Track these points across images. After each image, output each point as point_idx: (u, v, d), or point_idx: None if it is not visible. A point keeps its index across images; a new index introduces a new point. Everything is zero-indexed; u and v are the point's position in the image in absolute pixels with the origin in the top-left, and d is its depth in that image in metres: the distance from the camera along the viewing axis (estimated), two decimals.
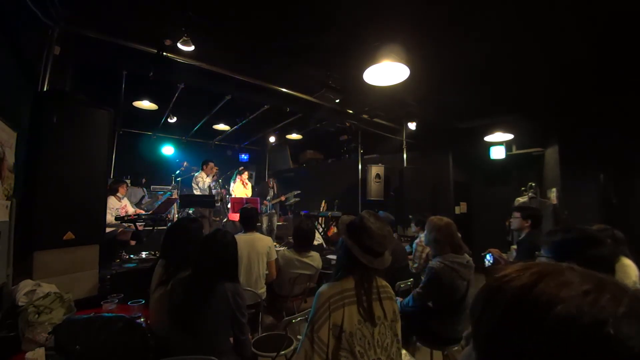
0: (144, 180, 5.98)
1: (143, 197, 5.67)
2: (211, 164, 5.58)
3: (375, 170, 6.18)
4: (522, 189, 5.12)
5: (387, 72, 3.18)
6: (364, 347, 1.21)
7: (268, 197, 5.93)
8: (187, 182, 6.32)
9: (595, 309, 0.31)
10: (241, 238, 2.74)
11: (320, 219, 6.02)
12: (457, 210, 6.27)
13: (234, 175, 6.11)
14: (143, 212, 4.76)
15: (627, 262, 1.81)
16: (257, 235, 2.86)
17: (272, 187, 6.13)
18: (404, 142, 6.27)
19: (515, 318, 0.35)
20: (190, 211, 5.31)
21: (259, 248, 2.74)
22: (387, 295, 1.36)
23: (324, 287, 1.30)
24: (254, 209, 3.01)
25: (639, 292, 0.33)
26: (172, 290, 1.65)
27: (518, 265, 0.40)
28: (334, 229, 5.97)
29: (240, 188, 5.97)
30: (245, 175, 6.09)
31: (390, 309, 1.34)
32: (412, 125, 5.38)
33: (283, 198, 6.13)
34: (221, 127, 6.49)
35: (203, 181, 5.44)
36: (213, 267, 1.65)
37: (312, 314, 1.25)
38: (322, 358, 1.18)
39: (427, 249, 3.17)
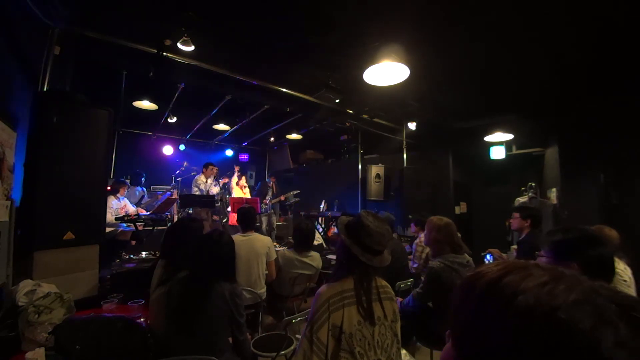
0: (143, 181, 5.97)
1: (143, 197, 5.67)
2: (211, 167, 5.59)
3: (375, 170, 6.18)
4: (522, 189, 5.12)
5: (387, 72, 3.18)
6: (364, 347, 1.21)
7: (267, 197, 5.93)
8: (187, 182, 6.32)
9: (550, 297, 0.34)
10: (240, 238, 2.74)
11: (320, 219, 6.02)
12: (457, 210, 6.27)
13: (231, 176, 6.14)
14: (143, 212, 4.77)
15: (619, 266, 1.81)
16: (256, 235, 2.86)
17: (272, 187, 6.13)
18: (404, 142, 6.27)
19: (484, 310, 0.38)
20: (189, 211, 5.31)
21: (258, 248, 2.74)
22: (387, 295, 1.36)
23: (323, 288, 1.30)
24: (252, 208, 3.00)
25: (596, 284, 0.36)
26: (170, 290, 1.65)
27: (492, 263, 0.44)
28: (333, 229, 5.97)
29: (239, 192, 5.98)
30: (242, 180, 6.08)
31: (390, 310, 1.34)
32: (412, 125, 5.38)
33: (282, 198, 6.12)
34: (221, 127, 6.49)
35: (204, 183, 5.46)
36: (210, 267, 1.65)
37: (311, 314, 1.24)
38: (320, 359, 1.17)
39: (427, 249, 3.17)
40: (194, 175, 5.89)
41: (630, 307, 0.33)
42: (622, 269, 1.78)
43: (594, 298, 0.34)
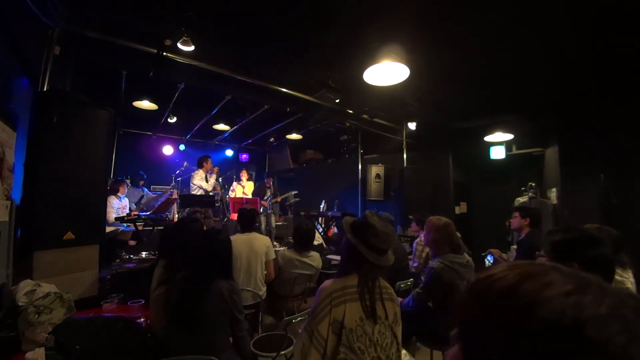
0: (141, 182, 5.97)
1: (142, 196, 5.67)
2: (210, 161, 5.50)
3: (375, 170, 6.18)
4: (522, 189, 5.12)
5: (387, 72, 3.18)
6: (364, 344, 1.21)
7: (265, 197, 5.92)
8: (188, 182, 6.31)
9: (576, 310, 0.31)
10: (239, 238, 2.74)
11: (320, 219, 6.02)
12: (457, 210, 6.27)
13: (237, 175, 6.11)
14: (143, 211, 4.77)
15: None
16: (255, 235, 2.85)
17: (270, 187, 6.12)
18: (404, 142, 6.27)
19: (499, 318, 0.35)
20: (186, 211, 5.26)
21: (256, 248, 2.74)
22: (389, 296, 1.37)
23: (326, 283, 1.31)
24: (252, 209, 3.01)
25: (622, 293, 0.33)
26: (170, 290, 1.66)
27: (504, 265, 0.40)
28: (333, 229, 5.96)
29: (239, 191, 5.97)
30: (244, 180, 6.06)
31: (392, 311, 1.34)
32: (412, 125, 5.38)
33: (279, 199, 6.11)
34: (221, 127, 6.49)
35: (201, 177, 5.37)
36: (207, 265, 1.67)
37: (313, 308, 1.25)
38: (319, 352, 1.18)
39: (427, 249, 3.17)
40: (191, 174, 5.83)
41: None
42: (626, 276, 1.77)
43: (623, 311, 0.31)
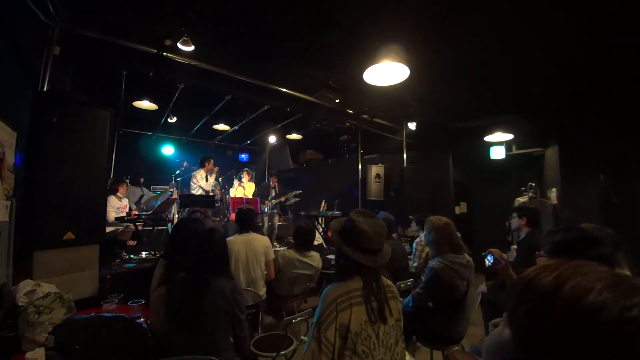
0: (142, 180, 5.96)
1: (141, 196, 5.66)
2: (212, 161, 5.54)
3: (375, 170, 6.18)
4: (522, 189, 5.12)
5: (387, 72, 3.18)
6: (368, 346, 1.21)
7: (269, 197, 5.91)
8: (187, 182, 6.31)
9: (625, 296, 0.35)
10: (238, 239, 2.74)
11: (320, 219, 6.02)
12: (457, 210, 6.27)
13: (238, 175, 6.10)
14: (143, 211, 4.76)
15: None
16: (254, 235, 2.85)
17: (274, 187, 6.12)
18: (404, 142, 6.27)
19: (550, 303, 0.39)
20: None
21: (256, 248, 2.74)
22: (392, 295, 1.36)
23: (329, 288, 1.29)
24: (250, 209, 3.00)
25: None
26: (170, 290, 1.66)
27: (547, 263, 0.45)
28: None
29: (240, 191, 5.96)
30: (245, 180, 6.04)
31: (396, 309, 1.34)
32: (412, 125, 5.38)
33: (283, 199, 6.11)
34: (221, 127, 6.49)
35: (203, 179, 5.40)
36: (204, 264, 1.67)
37: (318, 314, 1.24)
38: (329, 358, 1.17)
39: (427, 249, 3.17)
40: (192, 174, 5.83)
41: None
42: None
43: None
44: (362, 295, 1.26)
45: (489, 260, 2.95)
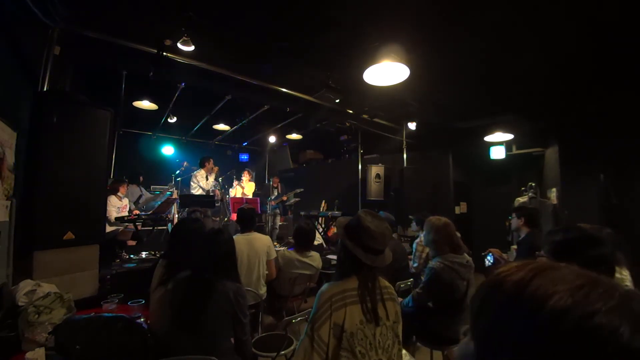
0: (141, 179, 5.95)
1: (140, 196, 5.65)
2: (212, 161, 5.55)
3: (375, 170, 6.18)
4: (522, 189, 5.12)
5: (387, 72, 3.18)
6: (365, 347, 1.21)
7: (272, 197, 5.92)
8: (187, 182, 6.31)
9: (587, 302, 0.32)
10: (240, 238, 2.74)
11: (320, 219, 6.02)
12: (457, 210, 6.27)
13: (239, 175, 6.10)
14: (142, 211, 4.76)
15: None
16: (256, 235, 2.86)
17: (277, 187, 6.12)
18: (404, 142, 6.27)
19: (512, 311, 0.37)
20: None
21: (257, 247, 2.74)
22: (390, 296, 1.36)
23: (325, 287, 1.30)
24: (252, 209, 3.00)
25: (631, 290, 0.35)
26: (172, 290, 1.65)
27: (517, 262, 0.42)
28: (334, 229, 5.96)
29: (239, 190, 5.96)
30: (245, 181, 6.04)
31: (393, 311, 1.33)
32: (412, 125, 5.38)
33: (285, 198, 6.11)
34: (221, 127, 6.49)
35: (203, 178, 5.40)
36: (209, 265, 1.66)
37: (313, 312, 1.24)
38: (321, 357, 1.17)
39: (427, 249, 3.17)
40: (193, 173, 5.84)
41: None
42: (625, 274, 1.78)
43: (630, 304, 0.33)
44: (358, 294, 1.26)
45: (489, 260, 2.96)
